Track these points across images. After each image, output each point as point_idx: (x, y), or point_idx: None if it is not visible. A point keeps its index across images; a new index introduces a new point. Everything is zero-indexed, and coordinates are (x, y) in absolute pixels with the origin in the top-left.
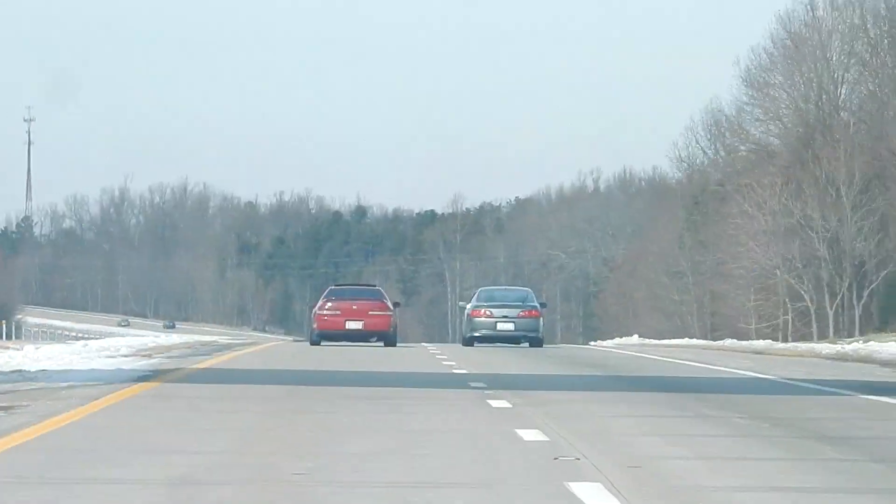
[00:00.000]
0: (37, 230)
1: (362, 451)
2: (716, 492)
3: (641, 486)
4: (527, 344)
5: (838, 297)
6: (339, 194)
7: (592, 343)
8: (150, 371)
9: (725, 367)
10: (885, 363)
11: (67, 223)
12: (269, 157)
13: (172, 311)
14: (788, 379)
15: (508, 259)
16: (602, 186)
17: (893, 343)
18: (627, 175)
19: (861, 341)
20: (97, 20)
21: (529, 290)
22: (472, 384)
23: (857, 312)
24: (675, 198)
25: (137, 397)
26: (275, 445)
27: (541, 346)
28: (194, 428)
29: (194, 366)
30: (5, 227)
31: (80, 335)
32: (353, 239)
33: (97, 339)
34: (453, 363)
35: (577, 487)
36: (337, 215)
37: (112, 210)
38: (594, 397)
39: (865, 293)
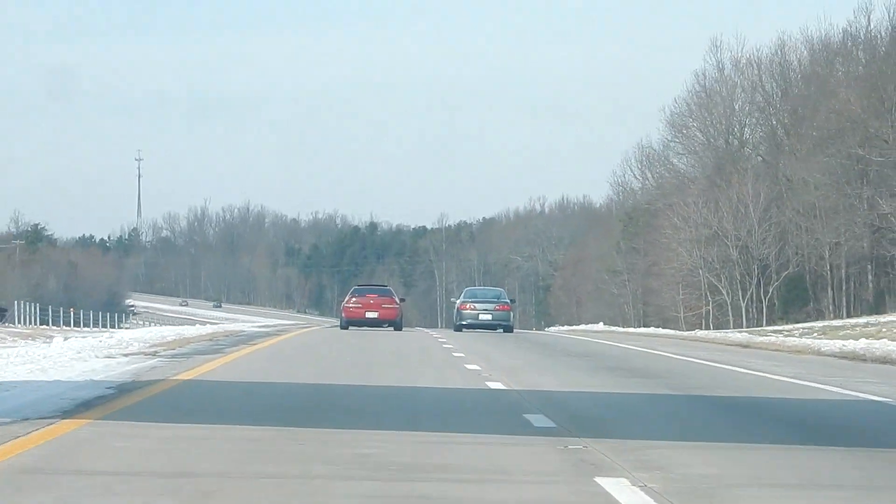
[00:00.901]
0: (143, 238)
1: None
2: None
3: None
4: (501, 330)
5: (748, 293)
6: (358, 213)
7: (550, 328)
8: (116, 386)
9: (774, 373)
10: None
11: (164, 233)
12: (308, 186)
13: (239, 298)
14: None
15: (480, 261)
16: (546, 209)
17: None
18: (564, 200)
19: (815, 334)
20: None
21: (503, 290)
22: (530, 417)
23: (764, 305)
24: (609, 214)
25: None
26: None
27: (511, 331)
28: None
29: (180, 375)
30: (120, 236)
31: (169, 313)
32: (368, 246)
33: (145, 326)
34: (477, 367)
35: None
36: (356, 229)
37: (196, 224)
38: (750, 467)
39: (771, 289)
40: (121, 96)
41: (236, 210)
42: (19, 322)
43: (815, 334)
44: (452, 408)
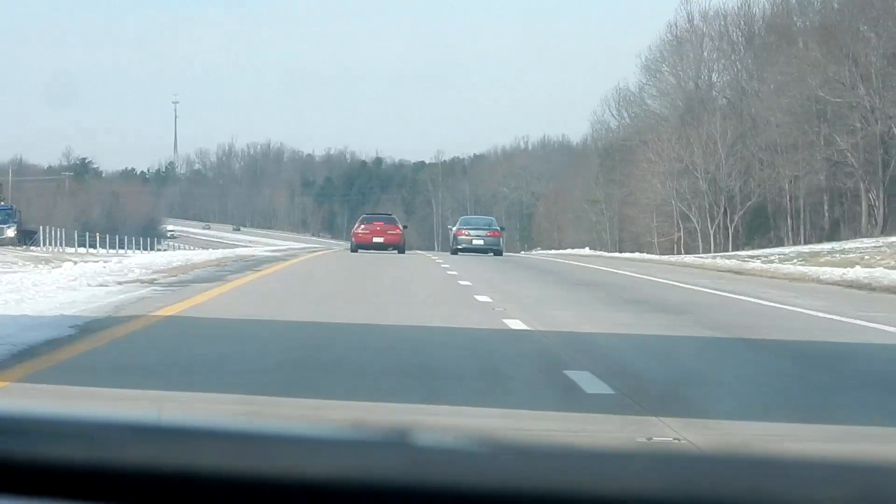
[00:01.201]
0: (178, 170)
1: None
2: None
3: None
4: (491, 253)
5: (716, 221)
6: (365, 149)
7: (533, 251)
8: (83, 324)
9: (803, 307)
10: None
11: (196, 166)
12: (321, 124)
13: (261, 223)
14: None
15: (471, 192)
16: (529, 146)
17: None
18: (546, 139)
19: (794, 261)
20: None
21: (493, 218)
22: (574, 376)
23: (730, 232)
24: (587, 151)
25: None
26: None
27: (501, 255)
28: None
29: (163, 311)
30: (158, 169)
31: (196, 236)
32: (374, 178)
33: (167, 249)
34: (488, 299)
35: None
36: (363, 163)
37: (224, 158)
38: None
39: (736, 217)
40: (162, 44)
41: (259, 146)
42: (52, 245)
43: (795, 261)
44: (474, 362)
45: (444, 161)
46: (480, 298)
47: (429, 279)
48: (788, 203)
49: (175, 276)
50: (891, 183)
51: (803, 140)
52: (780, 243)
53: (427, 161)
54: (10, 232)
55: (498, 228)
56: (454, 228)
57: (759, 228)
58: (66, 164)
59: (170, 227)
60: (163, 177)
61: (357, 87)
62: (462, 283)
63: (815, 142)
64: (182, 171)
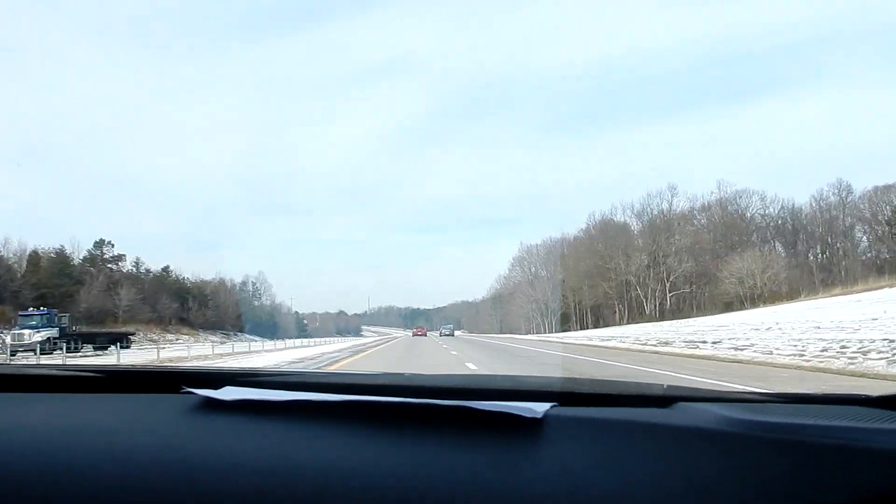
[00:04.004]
0: (368, 313)
1: None
2: None
3: None
4: (451, 336)
5: (546, 319)
6: (411, 302)
7: (460, 331)
8: None
9: None
10: None
11: (373, 312)
12: (401, 293)
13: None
14: None
15: (445, 315)
16: (460, 301)
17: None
18: (465, 299)
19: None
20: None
21: (452, 323)
22: (468, 364)
23: (554, 325)
24: (486, 301)
25: None
26: None
27: (454, 336)
28: None
29: None
30: (362, 312)
31: (378, 331)
32: (417, 313)
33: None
34: (445, 345)
35: None
36: (413, 309)
37: (381, 309)
38: None
39: (554, 319)
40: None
41: (389, 305)
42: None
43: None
44: (438, 358)
45: (437, 308)
46: (443, 346)
47: (432, 343)
48: (576, 312)
49: None
50: (629, 302)
51: (587, 286)
52: (570, 329)
53: (431, 308)
54: (38, 336)
55: (453, 327)
56: (441, 327)
57: (564, 322)
58: (334, 312)
59: (372, 329)
60: (364, 313)
61: (402, 274)
62: (438, 341)
63: (592, 286)
64: (369, 313)
